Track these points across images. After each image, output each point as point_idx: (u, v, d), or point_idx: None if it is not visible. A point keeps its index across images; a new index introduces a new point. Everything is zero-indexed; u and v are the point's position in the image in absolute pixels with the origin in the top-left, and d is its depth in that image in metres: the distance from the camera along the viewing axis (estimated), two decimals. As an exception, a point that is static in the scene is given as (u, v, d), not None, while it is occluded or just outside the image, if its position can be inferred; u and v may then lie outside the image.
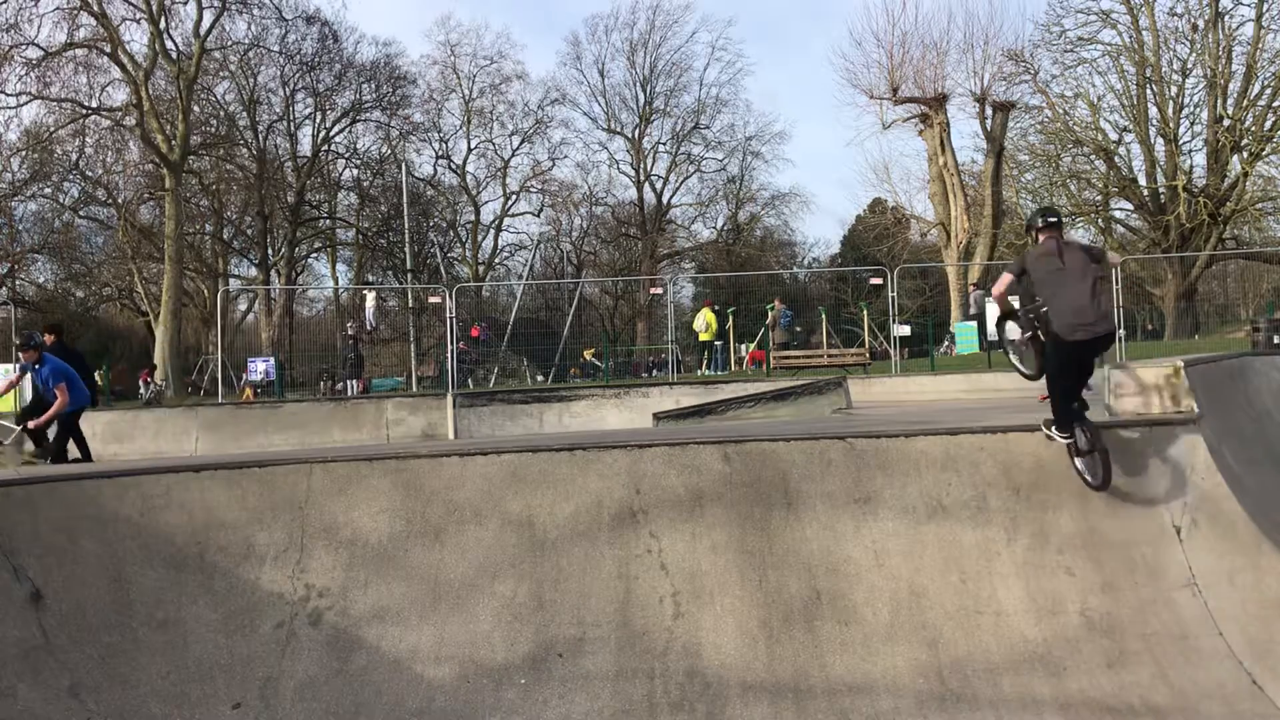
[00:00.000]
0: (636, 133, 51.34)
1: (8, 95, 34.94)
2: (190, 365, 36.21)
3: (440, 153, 49.85)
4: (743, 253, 49.94)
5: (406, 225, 40.17)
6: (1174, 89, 36.56)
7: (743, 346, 25.97)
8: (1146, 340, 30.42)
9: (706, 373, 23.83)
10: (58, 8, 33.42)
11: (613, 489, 5.33)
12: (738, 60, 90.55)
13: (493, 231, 51.41)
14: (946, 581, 4.99)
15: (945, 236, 33.54)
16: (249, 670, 4.67)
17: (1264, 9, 34.25)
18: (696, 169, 52.17)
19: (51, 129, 38.30)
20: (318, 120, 45.80)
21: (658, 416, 12.75)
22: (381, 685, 4.66)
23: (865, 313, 23.86)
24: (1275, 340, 17.95)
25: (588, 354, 30.41)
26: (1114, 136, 38.18)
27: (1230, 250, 37.28)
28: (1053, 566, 5.01)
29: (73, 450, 10.51)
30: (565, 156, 52.12)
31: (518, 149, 50.61)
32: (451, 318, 22.02)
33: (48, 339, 10.29)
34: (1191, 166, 37.25)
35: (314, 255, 49.34)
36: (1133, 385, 5.88)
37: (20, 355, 9.49)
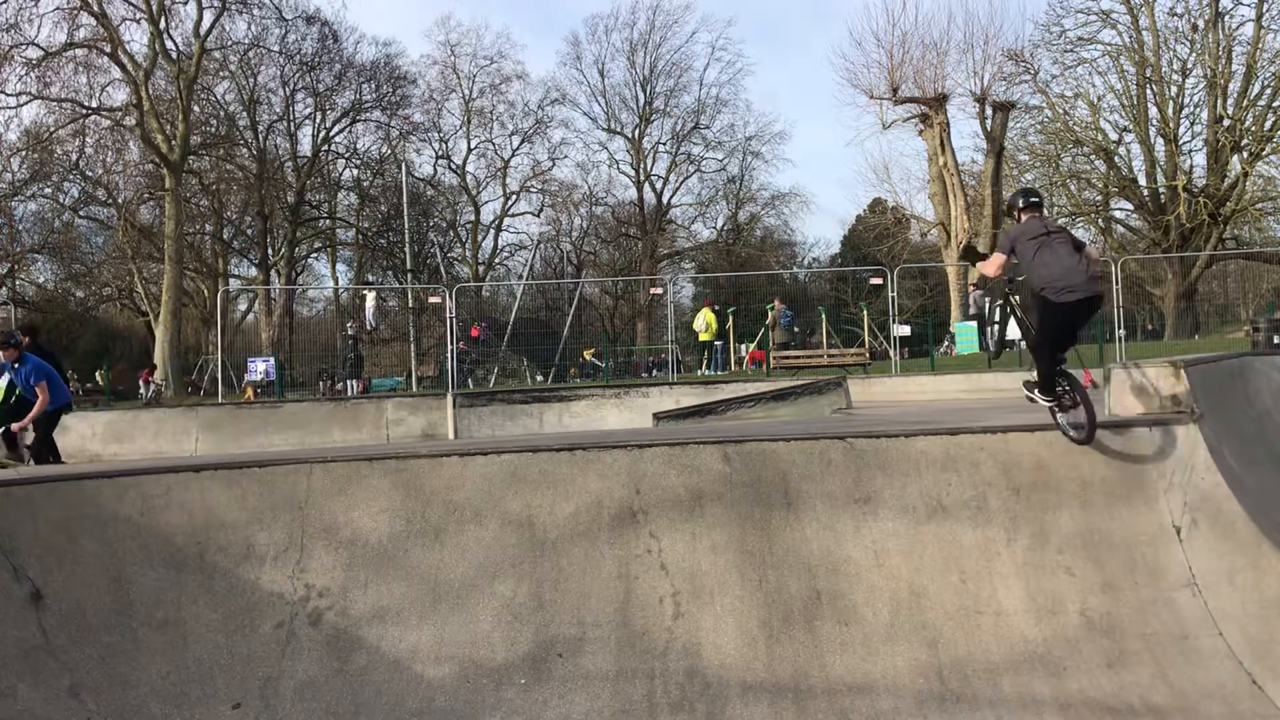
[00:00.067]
0: (636, 133, 51.35)
1: (8, 95, 34.95)
2: (190, 365, 36.22)
3: (440, 153, 49.87)
4: (743, 253, 49.94)
5: (406, 225, 40.17)
6: (1174, 89, 36.57)
7: (743, 346, 25.97)
8: (1146, 340, 30.41)
9: (706, 373, 23.83)
10: (58, 8, 33.43)
11: (613, 489, 5.32)
12: (738, 60, 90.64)
13: (493, 231, 51.43)
14: (946, 581, 4.99)
15: (945, 236, 33.52)
16: (249, 670, 4.66)
17: (1264, 9, 34.25)
18: (696, 169, 52.19)
19: (51, 129, 38.31)
20: (318, 120, 45.82)
21: (658, 416, 12.75)
22: (381, 685, 4.66)
23: (865, 313, 23.87)
24: (1275, 340, 17.96)
25: (588, 354, 30.40)
26: (1114, 136, 38.19)
27: (1230, 250, 37.27)
28: (1053, 566, 5.00)
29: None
30: (565, 156, 52.17)
31: (518, 149, 50.64)
32: (451, 318, 22.02)
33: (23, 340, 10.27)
34: (1191, 166, 37.26)
35: (314, 255, 49.36)
36: (1133, 385, 5.88)
37: (0, 354, 9.45)
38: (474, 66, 49.30)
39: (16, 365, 9.50)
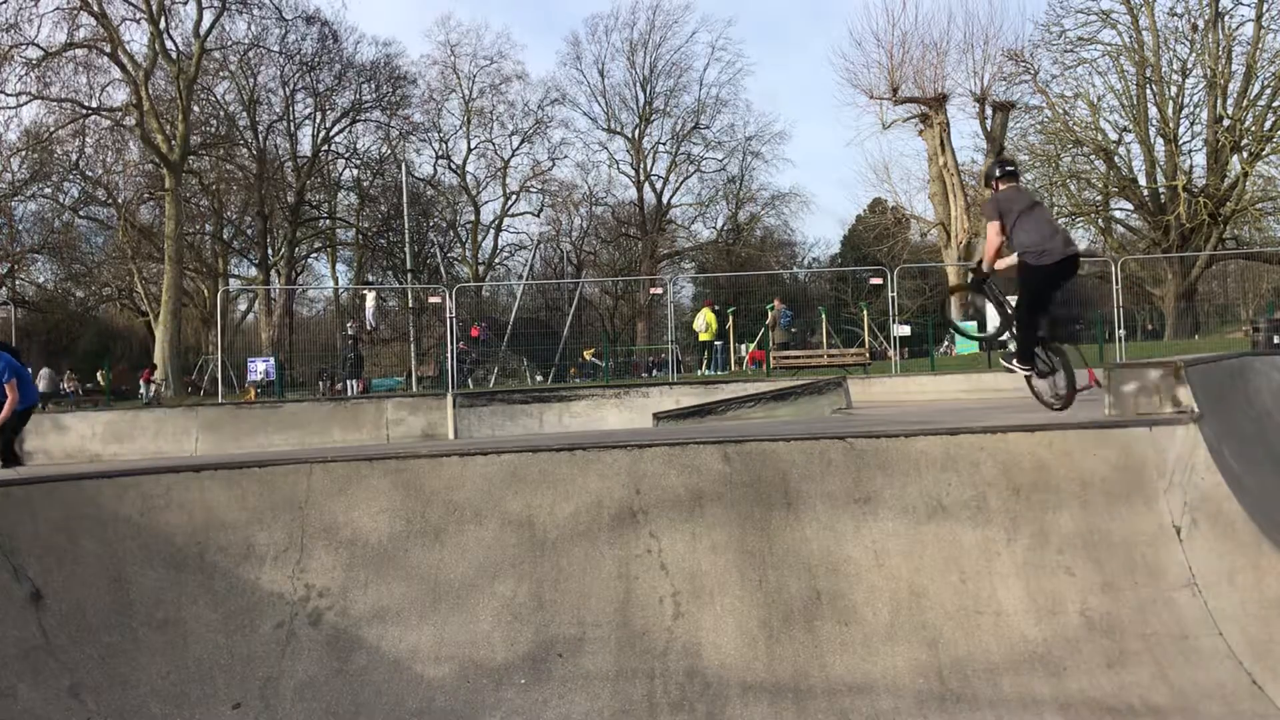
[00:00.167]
0: (636, 133, 51.38)
1: (8, 95, 35.00)
2: (190, 365, 36.24)
3: (440, 153, 49.91)
4: (743, 253, 49.96)
5: (406, 225, 40.19)
6: (1174, 89, 36.59)
7: (743, 346, 25.99)
8: (1146, 340, 30.44)
9: (706, 373, 23.85)
10: (58, 8, 33.47)
11: (613, 489, 5.32)
12: (738, 60, 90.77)
13: (493, 231, 51.47)
14: (946, 581, 4.99)
15: (945, 236, 33.55)
16: (249, 670, 4.67)
17: (1264, 9, 34.29)
18: (696, 169, 52.25)
19: (51, 129, 38.36)
20: (318, 120, 45.85)
21: (658, 416, 12.76)
22: (381, 685, 4.66)
23: (865, 313, 23.87)
24: (1275, 340, 17.97)
25: (588, 354, 30.42)
26: (1114, 136, 38.23)
27: (1230, 250, 37.30)
28: (1053, 566, 5.00)
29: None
30: (565, 156, 52.28)
31: (518, 149, 50.69)
32: (451, 318, 22.04)
33: None
34: (1191, 166, 37.30)
35: (314, 255, 49.43)
36: (1133, 385, 5.88)
37: None
38: (474, 66, 49.37)
39: None
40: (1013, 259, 6.45)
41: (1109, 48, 37.50)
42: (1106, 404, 6.17)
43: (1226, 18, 35.31)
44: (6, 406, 9.37)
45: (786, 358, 20.27)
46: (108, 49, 34.18)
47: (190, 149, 36.43)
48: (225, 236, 45.60)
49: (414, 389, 26.48)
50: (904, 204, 43.71)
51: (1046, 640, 4.75)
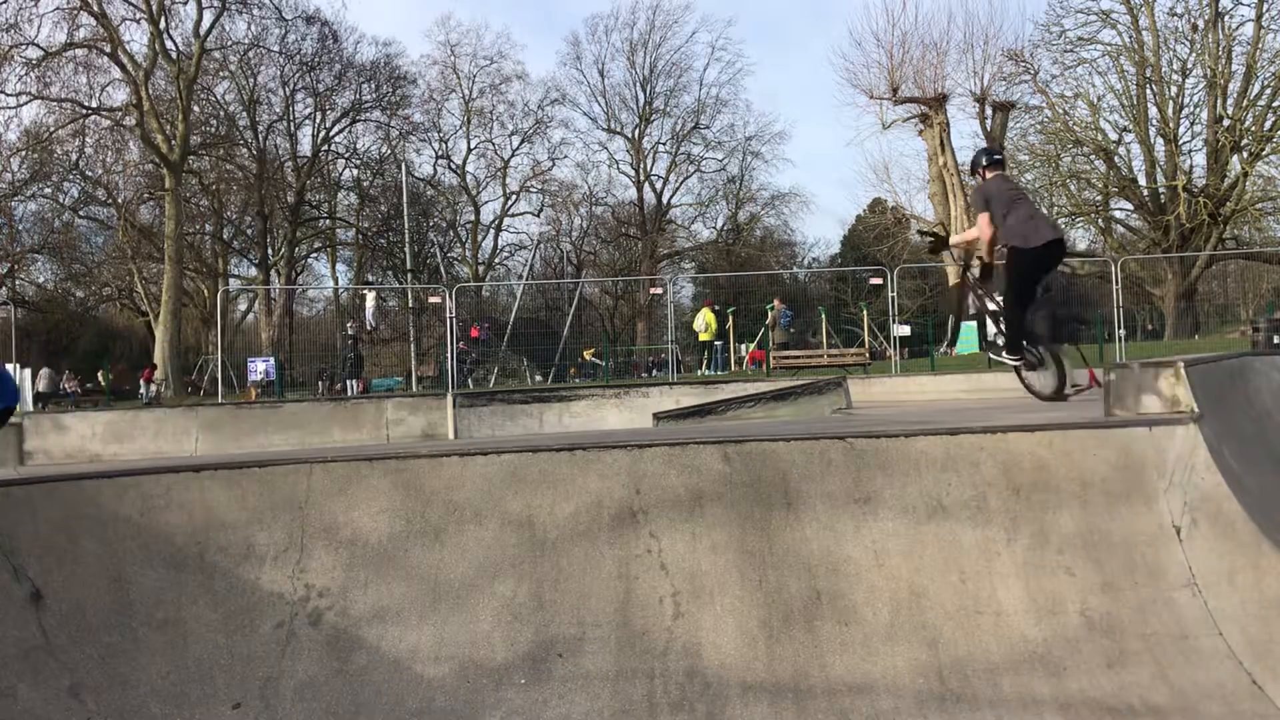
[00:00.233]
0: (636, 133, 51.41)
1: (8, 95, 35.03)
2: (190, 365, 36.23)
3: (440, 153, 49.94)
4: (743, 253, 49.98)
5: (406, 225, 40.20)
6: (1174, 89, 36.61)
7: (743, 346, 25.99)
8: (1146, 340, 30.45)
9: (706, 373, 23.86)
10: (58, 8, 33.50)
11: (613, 489, 5.32)
12: (738, 60, 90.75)
13: (493, 231, 51.50)
14: (946, 581, 4.99)
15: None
16: (249, 670, 4.67)
17: (1264, 9, 34.30)
18: (696, 169, 52.28)
19: (51, 129, 38.39)
20: (318, 120, 45.88)
21: (658, 416, 12.76)
22: (381, 685, 4.66)
23: (865, 313, 23.88)
24: (1275, 340, 17.98)
25: (587, 354, 30.43)
26: (1114, 136, 38.24)
27: (1230, 250, 37.31)
28: (1053, 566, 5.00)
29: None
30: (565, 156, 52.36)
31: (518, 149, 50.73)
32: (451, 318, 22.05)
33: None
34: (1191, 166, 37.32)
35: (314, 255, 49.47)
36: (1132, 385, 5.88)
37: None
38: (474, 66, 49.41)
39: None
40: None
41: (1109, 48, 37.52)
42: (1106, 404, 6.17)
43: (1226, 18, 35.33)
44: None
45: (786, 358, 20.28)
46: (108, 49, 34.19)
47: (190, 149, 36.44)
48: (225, 236, 45.60)
49: (414, 389, 26.49)
50: (904, 204, 43.71)
51: (1046, 640, 4.75)
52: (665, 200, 51.88)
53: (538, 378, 27.07)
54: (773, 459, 5.42)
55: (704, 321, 24.90)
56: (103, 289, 47.02)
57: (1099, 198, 39.64)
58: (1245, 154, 35.22)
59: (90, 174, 41.54)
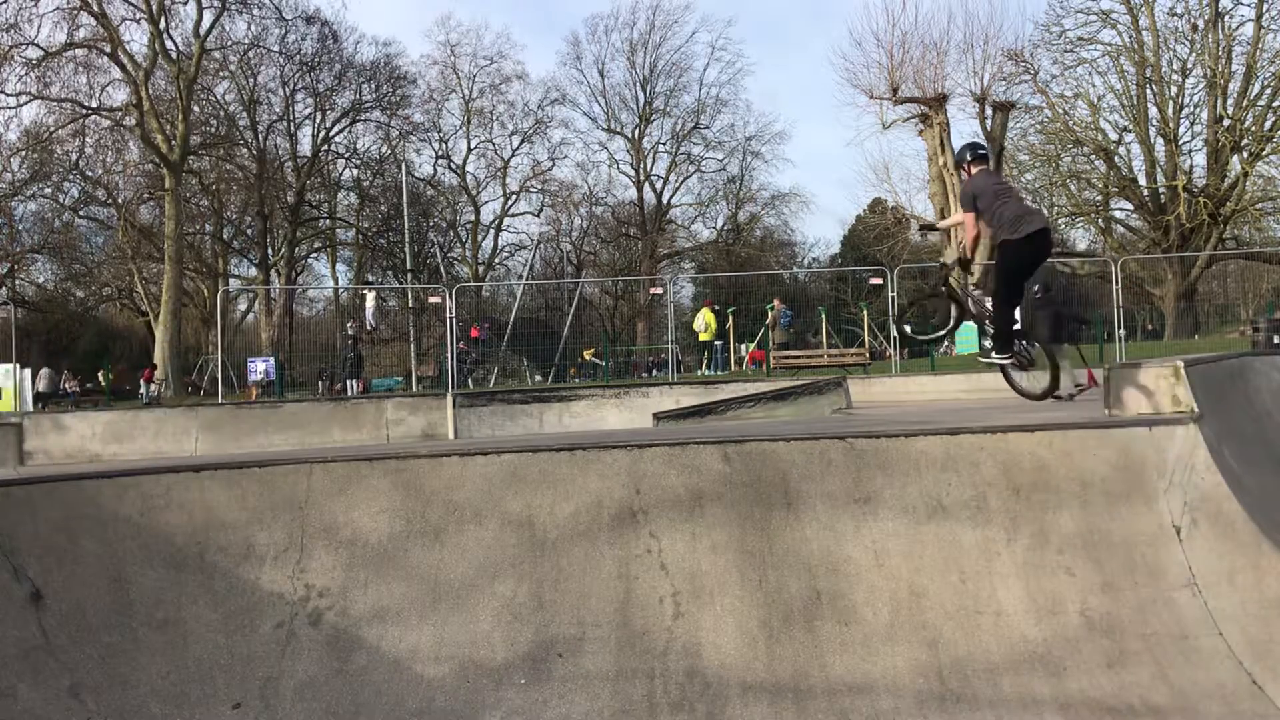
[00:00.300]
0: (636, 133, 51.40)
1: (8, 95, 35.04)
2: (190, 365, 36.23)
3: (440, 153, 49.93)
4: (743, 253, 49.97)
5: (406, 225, 40.21)
6: (1174, 89, 36.62)
7: (743, 346, 25.99)
8: (1146, 340, 30.46)
9: (706, 373, 23.86)
10: (58, 8, 33.50)
11: (613, 489, 5.32)
12: (738, 60, 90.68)
13: (493, 231, 51.50)
14: (946, 581, 4.99)
15: (945, 237, 33.50)
16: (249, 670, 4.67)
17: (1264, 9, 34.32)
18: (696, 169, 52.27)
19: (51, 129, 38.38)
20: (318, 120, 45.87)
21: (658, 416, 12.76)
22: (381, 685, 4.66)
23: (865, 313, 23.87)
24: (1275, 340, 17.99)
25: (587, 354, 30.44)
26: (1114, 136, 38.25)
27: (1230, 250, 37.32)
28: (1053, 566, 5.00)
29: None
30: (565, 156, 52.30)
31: (518, 149, 50.73)
32: (451, 318, 22.05)
33: None
34: (1191, 166, 37.33)
35: (314, 255, 49.47)
36: (1132, 385, 5.88)
37: None
38: (474, 66, 49.40)
39: None
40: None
41: (1109, 48, 37.53)
42: (1106, 404, 6.17)
43: (1226, 18, 35.34)
44: None
45: (786, 358, 20.28)
46: (108, 49, 34.19)
47: (190, 149, 36.44)
48: (225, 236, 45.60)
49: (414, 389, 26.50)
50: (904, 204, 43.70)
51: (1046, 640, 4.75)
52: (665, 200, 51.90)
53: (538, 378, 27.08)
54: (773, 459, 5.42)
55: (704, 321, 24.91)
56: (103, 289, 47.02)
57: (1099, 198, 39.65)
58: (1245, 154, 35.23)
59: (90, 174, 41.56)
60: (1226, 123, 35.29)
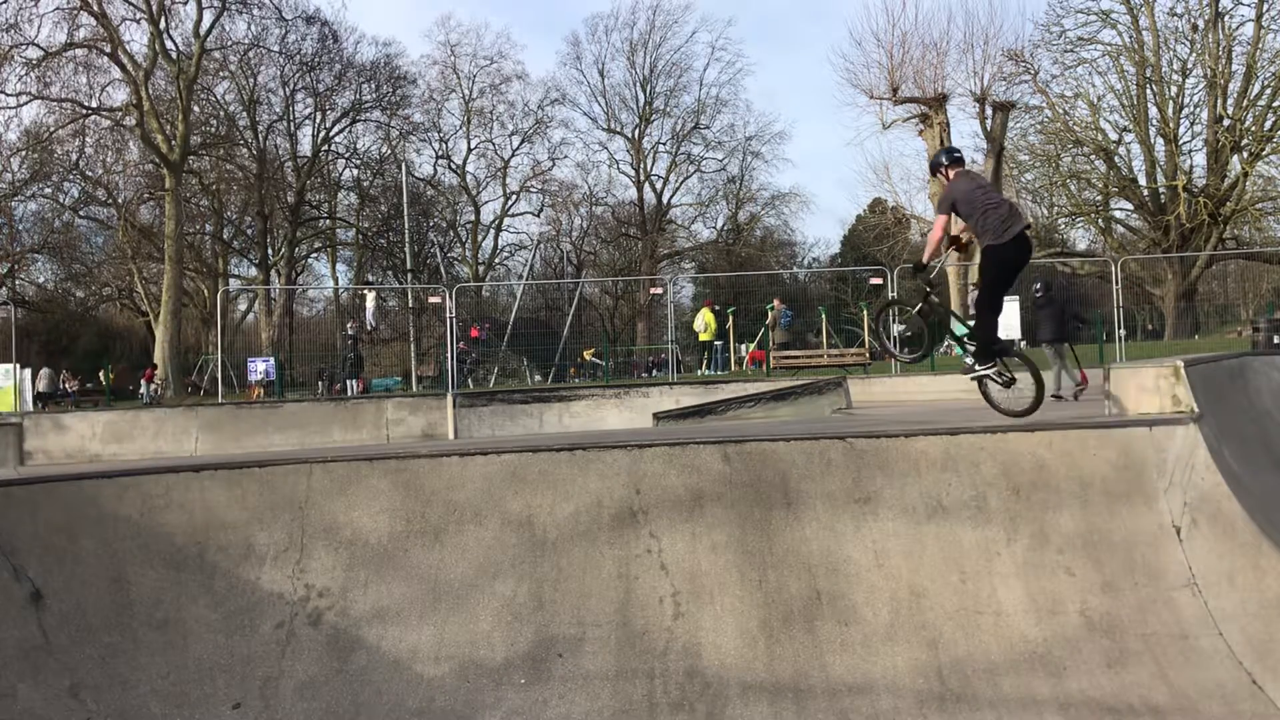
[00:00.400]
0: (636, 133, 51.37)
1: (8, 95, 35.02)
2: (190, 365, 36.22)
3: (440, 153, 49.90)
4: (743, 253, 49.93)
5: (406, 225, 40.20)
6: (1174, 89, 36.61)
7: (743, 346, 25.98)
8: (1146, 340, 30.46)
9: (706, 373, 23.87)
10: (58, 8, 33.48)
11: (613, 489, 5.33)
12: (738, 60, 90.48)
13: (493, 231, 51.47)
14: (946, 581, 4.99)
15: (945, 237, 33.45)
16: (249, 670, 4.67)
17: (1264, 9, 34.31)
18: (696, 169, 52.22)
19: (51, 129, 38.37)
20: (318, 120, 45.84)
21: (658, 416, 12.77)
22: (381, 685, 4.67)
23: (865, 313, 23.86)
24: (1275, 340, 17.99)
25: (587, 354, 30.43)
26: (1114, 136, 38.24)
27: (1230, 250, 37.31)
28: (1053, 566, 5.00)
29: None
30: (565, 156, 52.20)
31: (518, 149, 50.68)
32: (451, 318, 22.04)
33: None
34: (1191, 166, 37.32)
35: (314, 255, 49.42)
36: (1132, 385, 5.88)
37: None
38: (474, 66, 49.36)
39: None
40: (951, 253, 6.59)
41: (1109, 48, 37.52)
42: (1106, 404, 6.17)
43: (1226, 18, 35.33)
44: None
45: (786, 358, 20.29)
46: (108, 49, 34.18)
47: (190, 149, 36.42)
48: (225, 236, 45.59)
49: (414, 389, 26.50)
50: (904, 204, 43.66)
51: (1046, 640, 4.75)
52: (665, 200, 51.88)
53: (537, 378, 27.08)
54: (773, 459, 5.42)
55: (704, 321, 24.91)
56: (103, 289, 47.02)
57: (1099, 198, 39.64)
58: (1245, 154, 35.23)
59: (90, 174, 41.55)
60: (1226, 123, 35.29)
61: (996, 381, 6.38)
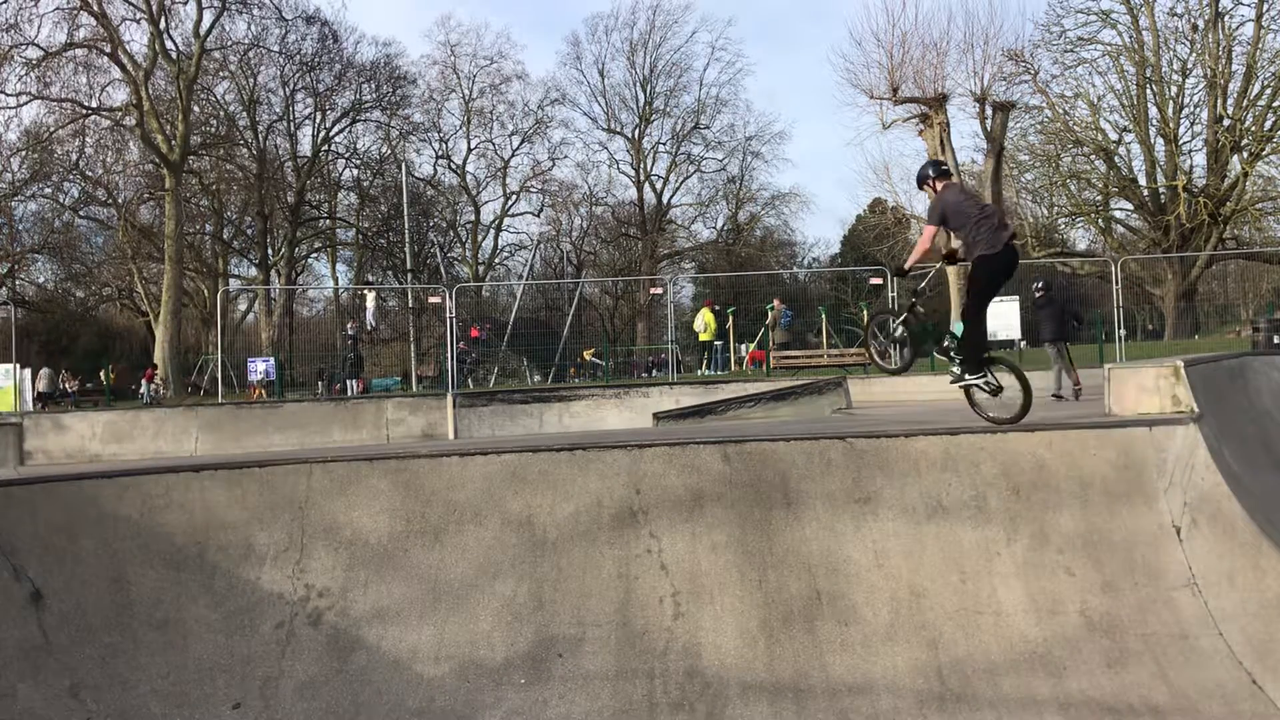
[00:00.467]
0: (636, 133, 51.33)
1: (8, 95, 34.99)
2: (190, 365, 36.20)
3: (440, 153, 49.87)
4: (743, 253, 49.88)
5: (406, 225, 40.19)
6: (1174, 89, 36.61)
7: (743, 346, 25.96)
8: (1146, 340, 30.48)
9: (706, 373, 23.86)
10: (58, 8, 33.46)
11: (613, 489, 5.33)
12: (738, 60, 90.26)
13: (493, 231, 51.44)
14: (946, 581, 4.99)
15: (945, 237, 33.45)
16: (249, 670, 4.67)
17: (1264, 9, 34.31)
18: (696, 169, 52.17)
19: (51, 129, 38.35)
20: (318, 120, 45.82)
21: (658, 416, 12.77)
22: (381, 685, 4.67)
23: (865, 313, 23.84)
24: (1275, 340, 17.99)
25: (587, 354, 30.41)
26: (1114, 136, 38.24)
27: (1230, 250, 37.30)
28: (1053, 566, 5.00)
29: None
30: (565, 156, 52.11)
31: (518, 149, 50.64)
32: (451, 318, 22.03)
33: None
34: (1191, 166, 37.32)
35: (314, 255, 49.37)
36: (1132, 385, 5.89)
37: None
38: (474, 66, 49.31)
39: None
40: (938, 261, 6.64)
41: (1109, 48, 37.52)
42: (1107, 404, 6.17)
43: (1226, 18, 35.33)
44: None
45: (786, 358, 20.29)
46: (108, 49, 34.16)
47: (190, 149, 36.40)
48: (225, 236, 45.56)
49: (414, 389, 26.51)
50: (904, 204, 43.61)
51: (1046, 640, 4.75)
52: (665, 200, 51.85)
53: (537, 378, 27.08)
54: (773, 459, 5.43)
55: (704, 321, 24.91)
56: (103, 289, 47.00)
57: (1099, 198, 39.64)
58: (1245, 154, 35.23)
59: (90, 174, 41.53)
60: (1226, 123, 35.30)
61: (984, 389, 6.42)
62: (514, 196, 51.08)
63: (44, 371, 29.71)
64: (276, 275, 43.86)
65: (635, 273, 47.26)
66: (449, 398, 15.44)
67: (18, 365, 26.96)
